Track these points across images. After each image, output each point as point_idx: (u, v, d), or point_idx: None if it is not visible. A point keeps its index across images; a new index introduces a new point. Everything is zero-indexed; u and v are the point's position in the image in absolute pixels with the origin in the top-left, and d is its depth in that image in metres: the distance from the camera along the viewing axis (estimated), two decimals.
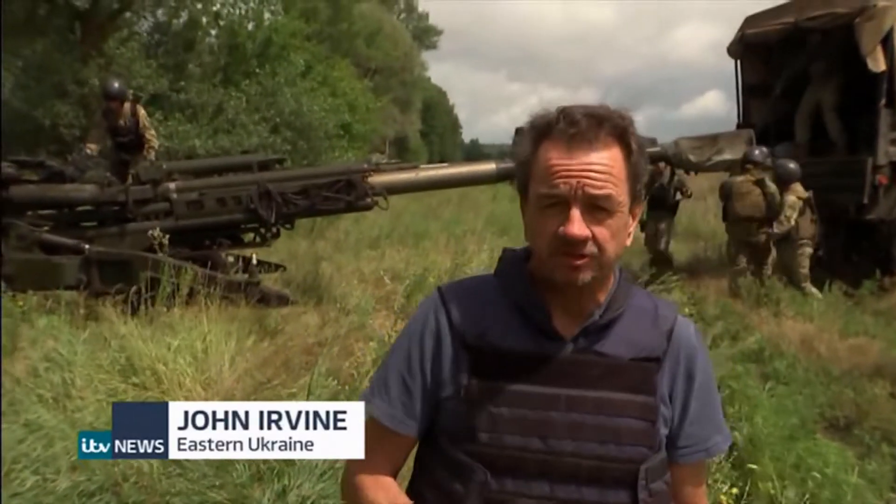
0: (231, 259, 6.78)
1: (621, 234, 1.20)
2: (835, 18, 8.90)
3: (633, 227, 1.26)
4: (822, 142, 9.64)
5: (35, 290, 6.04)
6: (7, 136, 13.02)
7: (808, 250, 8.11)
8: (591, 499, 1.18)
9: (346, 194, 6.40)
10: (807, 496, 3.04)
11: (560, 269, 1.18)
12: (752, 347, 5.83)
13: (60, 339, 4.43)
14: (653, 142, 9.21)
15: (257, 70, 14.61)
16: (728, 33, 10.65)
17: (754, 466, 3.17)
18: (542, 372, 1.20)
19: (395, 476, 1.31)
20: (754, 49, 10.22)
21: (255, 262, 6.69)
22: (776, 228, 7.94)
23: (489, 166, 6.89)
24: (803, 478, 3.14)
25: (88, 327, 4.93)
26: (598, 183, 1.15)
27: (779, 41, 9.82)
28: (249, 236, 6.88)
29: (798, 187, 8.02)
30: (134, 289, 5.48)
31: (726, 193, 8.34)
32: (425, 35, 48.85)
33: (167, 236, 5.93)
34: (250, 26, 15.36)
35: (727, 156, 7.84)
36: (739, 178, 8.09)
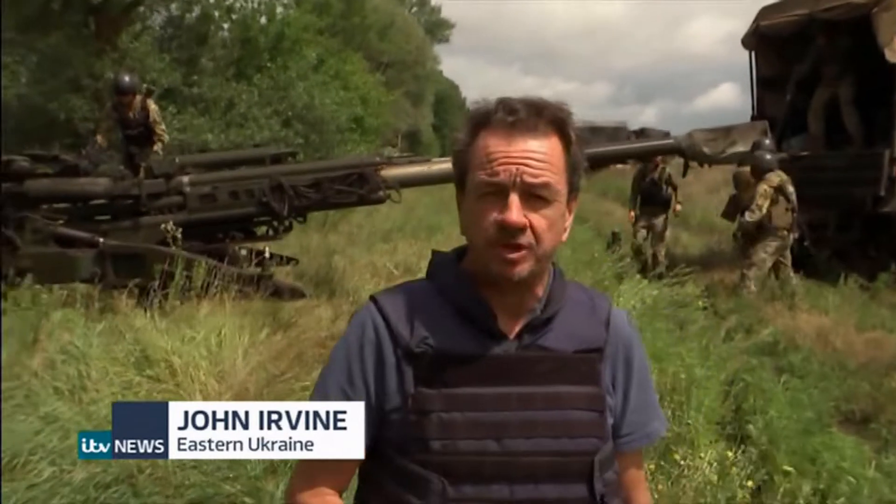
0: (244, 252, 6.80)
1: (558, 226, 1.19)
2: (851, 9, 8.82)
3: (570, 221, 1.25)
4: (837, 135, 9.56)
5: (50, 283, 6.07)
6: (22, 131, 13.12)
7: (774, 244, 7.89)
8: (551, 496, 1.16)
9: (359, 187, 6.39)
10: (823, 490, 3.02)
11: (497, 262, 1.16)
12: (766, 341, 5.80)
13: (76, 332, 4.46)
14: (666, 135, 9.13)
15: (269, 64, 14.63)
16: (743, 26, 10.60)
17: (775, 460, 3.15)
18: (490, 372, 1.18)
19: (340, 494, 1.27)
20: (769, 41, 10.14)
21: (268, 255, 6.71)
22: (747, 217, 7.82)
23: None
24: (819, 471, 3.12)
25: (103, 320, 4.96)
26: (537, 171, 1.14)
27: (794, 33, 9.73)
28: (262, 230, 6.89)
29: (772, 176, 7.86)
30: (148, 282, 5.51)
31: (737, 185, 8.30)
32: (438, 29, 48.72)
33: (180, 230, 5.95)
34: (263, 20, 15.39)
35: (740, 148, 7.77)
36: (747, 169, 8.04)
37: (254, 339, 4.57)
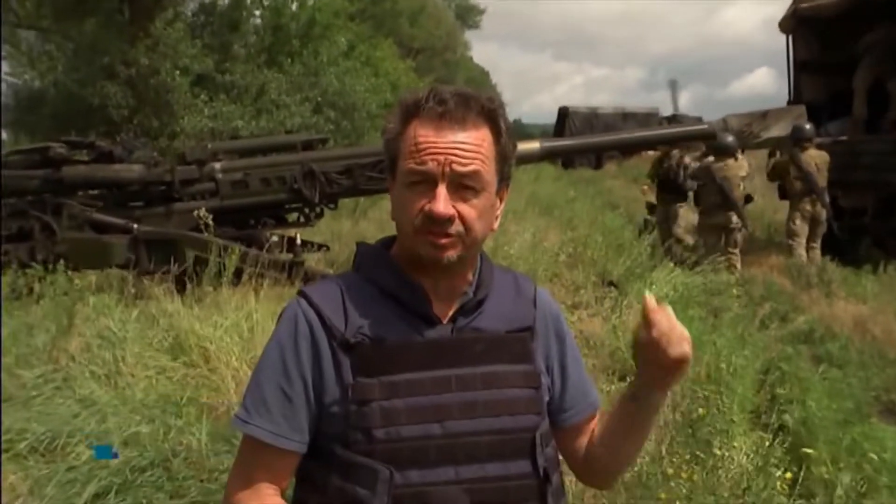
0: (275, 239, 6.84)
1: (488, 215, 1.21)
2: None
3: (501, 210, 1.27)
4: (879, 119, 9.33)
5: (86, 268, 6.17)
6: (58, 117, 13.31)
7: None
8: (496, 473, 1.18)
9: None
10: (863, 481, 2.95)
11: (425, 247, 1.17)
12: (802, 329, 5.70)
13: (112, 317, 4.52)
14: (698, 120, 8.98)
15: (302, 50, 14.65)
16: (782, 9, 10.36)
17: (810, 451, 3.09)
18: (427, 357, 1.19)
19: (282, 493, 1.25)
20: (807, 23, 9.93)
21: (299, 241, 6.73)
22: None
23: (533, 145, 6.81)
24: (858, 462, 3.05)
25: (138, 306, 5.02)
26: (465, 160, 1.15)
27: (834, 15, 9.50)
28: (293, 216, 6.92)
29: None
30: (181, 268, 5.56)
31: (780, 172, 8.17)
32: (468, 14, 48.44)
33: (211, 216, 5.99)
34: (294, 6, 15.40)
35: (775, 133, 7.65)
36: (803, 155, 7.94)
37: None
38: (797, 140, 7.93)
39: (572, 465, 1.40)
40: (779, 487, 2.73)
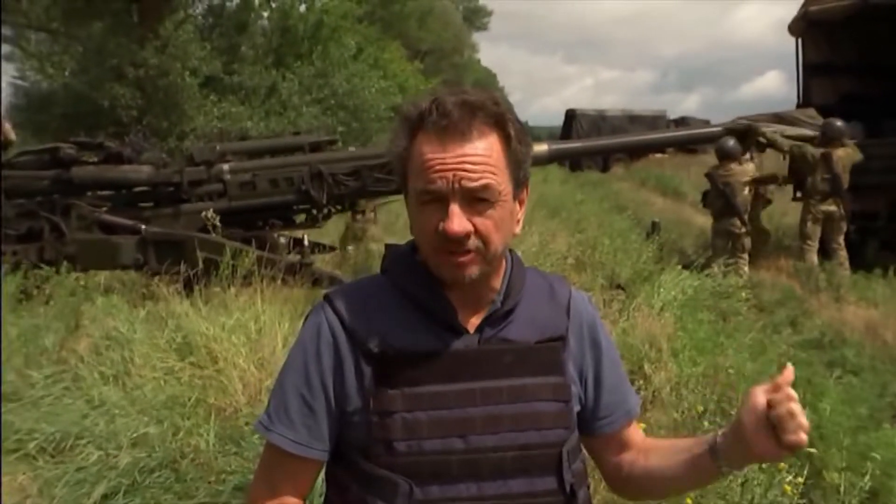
0: (283, 240, 6.83)
1: (506, 224, 1.16)
2: None
3: (522, 213, 1.23)
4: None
5: (95, 269, 6.18)
6: (68, 118, 13.35)
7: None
8: (520, 490, 1.14)
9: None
10: (875, 487, 2.93)
11: (445, 267, 1.14)
12: (813, 335, 5.66)
13: (119, 318, 4.52)
14: (706, 123, 8.93)
15: (311, 51, 14.69)
16: (792, 12, 10.33)
17: (813, 450, 3.07)
18: (452, 369, 1.15)
19: (304, 501, 1.24)
20: (817, 26, 9.88)
21: (307, 242, 6.73)
22: None
23: (541, 147, 6.78)
24: (873, 469, 3.02)
25: (146, 307, 5.02)
26: (475, 175, 1.10)
27: (843, 18, 9.46)
28: (301, 217, 6.92)
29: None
30: (193, 270, 5.56)
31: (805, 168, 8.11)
32: (476, 16, 48.50)
33: (219, 217, 5.99)
34: (302, 8, 15.44)
35: (807, 130, 7.62)
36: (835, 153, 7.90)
37: (293, 327, 4.58)
38: (830, 139, 7.86)
39: (604, 473, 1.37)
40: (788, 492, 2.70)
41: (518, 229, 1.22)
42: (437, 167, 1.11)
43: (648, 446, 1.33)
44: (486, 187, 1.11)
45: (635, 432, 1.35)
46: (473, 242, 1.12)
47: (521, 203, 1.22)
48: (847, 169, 7.99)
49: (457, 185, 1.10)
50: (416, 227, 1.18)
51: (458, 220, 1.10)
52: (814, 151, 7.85)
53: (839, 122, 7.84)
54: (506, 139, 1.15)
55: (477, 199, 1.11)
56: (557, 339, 1.22)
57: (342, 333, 1.19)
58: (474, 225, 1.12)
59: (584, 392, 1.27)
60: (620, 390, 1.31)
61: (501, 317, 1.20)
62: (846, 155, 7.99)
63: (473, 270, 1.14)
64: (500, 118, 1.15)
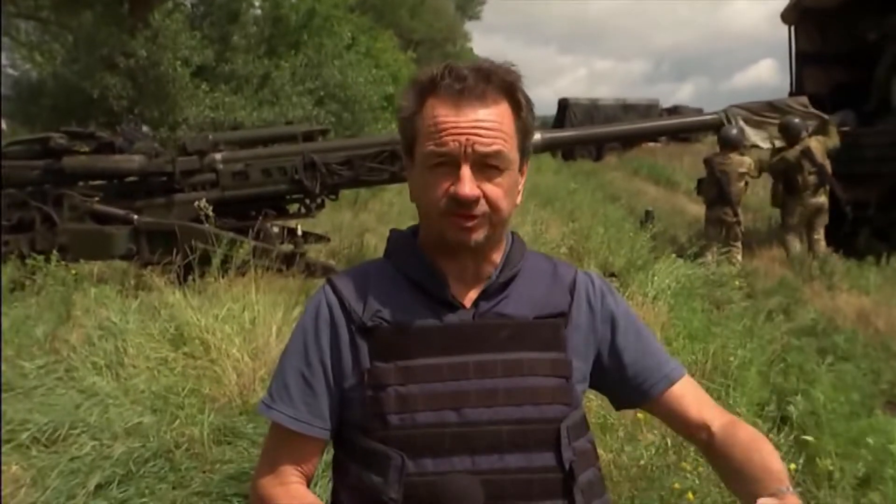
0: (276, 230, 6.81)
1: (513, 192, 1.18)
2: None
3: (523, 184, 1.24)
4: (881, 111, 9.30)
5: (87, 259, 6.16)
6: (58, 109, 13.26)
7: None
8: (516, 465, 1.13)
9: (391, 165, 6.35)
10: (868, 473, 2.94)
11: (451, 230, 1.15)
12: (806, 322, 5.68)
13: (112, 308, 4.51)
14: (698, 111, 8.95)
15: (303, 40, 14.59)
16: (785, 0, 10.31)
17: (809, 438, 3.08)
18: (446, 342, 1.16)
19: (308, 482, 1.24)
20: (810, 15, 9.87)
21: (300, 232, 6.71)
22: None
23: (535, 135, 6.78)
24: (864, 455, 3.04)
25: (139, 297, 5.00)
26: (488, 140, 1.12)
27: (836, 6, 9.46)
28: (294, 207, 6.90)
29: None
30: (182, 259, 5.54)
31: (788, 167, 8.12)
32: (468, 5, 48.22)
33: (212, 207, 5.96)
34: None
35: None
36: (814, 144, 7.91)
37: (287, 317, 4.57)
38: (792, 136, 7.89)
39: (676, 431, 1.35)
40: None
41: (519, 200, 1.23)
42: (451, 130, 1.12)
43: (727, 441, 1.23)
44: (497, 153, 1.13)
45: (699, 402, 1.29)
46: (482, 208, 1.13)
47: (522, 174, 1.23)
48: (824, 156, 8.01)
49: (469, 149, 1.11)
50: (421, 190, 1.18)
51: (470, 184, 1.11)
52: (794, 154, 7.90)
53: (797, 120, 7.85)
54: (516, 108, 1.17)
55: (487, 166, 1.13)
56: (558, 315, 1.22)
57: (340, 312, 1.20)
58: (483, 191, 1.12)
59: (602, 365, 1.27)
60: (653, 357, 1.29)
61: (497, 290, 1.21)
62: (821, 143, 8.02)
63: (480, 235, 1.15)
64: (511, 86, 1.16)
